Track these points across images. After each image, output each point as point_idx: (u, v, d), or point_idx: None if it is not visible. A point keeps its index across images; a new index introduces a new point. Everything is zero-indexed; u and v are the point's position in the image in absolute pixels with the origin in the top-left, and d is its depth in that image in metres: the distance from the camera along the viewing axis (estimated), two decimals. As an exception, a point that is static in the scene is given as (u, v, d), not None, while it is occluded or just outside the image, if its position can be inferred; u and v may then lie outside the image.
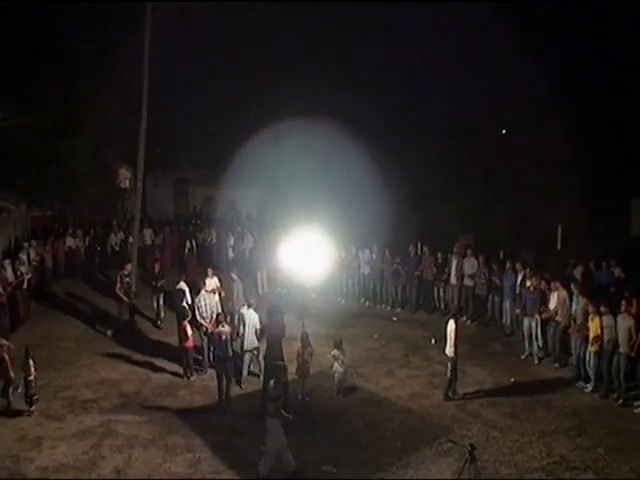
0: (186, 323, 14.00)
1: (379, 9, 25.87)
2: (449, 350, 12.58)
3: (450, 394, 12.69)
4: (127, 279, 16.96)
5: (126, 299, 16.72)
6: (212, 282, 15.73)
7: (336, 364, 12.90)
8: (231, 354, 12.71)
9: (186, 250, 23.04)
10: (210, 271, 16.20)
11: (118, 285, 16.74)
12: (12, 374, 12.10)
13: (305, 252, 11.70)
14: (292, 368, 12.45)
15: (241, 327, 13.28)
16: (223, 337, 12.52)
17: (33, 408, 12.15)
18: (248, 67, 29.57)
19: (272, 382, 10.32)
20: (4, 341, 12.47)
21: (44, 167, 24.88)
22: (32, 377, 12.14)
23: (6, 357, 12.16)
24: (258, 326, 13.14)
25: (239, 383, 13.38)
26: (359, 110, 26.38)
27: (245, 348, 13.28)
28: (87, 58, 24.98)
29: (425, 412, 12.20)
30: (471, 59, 24.92)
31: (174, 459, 10.50)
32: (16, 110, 24.89)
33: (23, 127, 24.06)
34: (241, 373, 13.47)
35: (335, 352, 12.91)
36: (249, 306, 13.40)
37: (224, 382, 12.48)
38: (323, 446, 10.82)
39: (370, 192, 25.16)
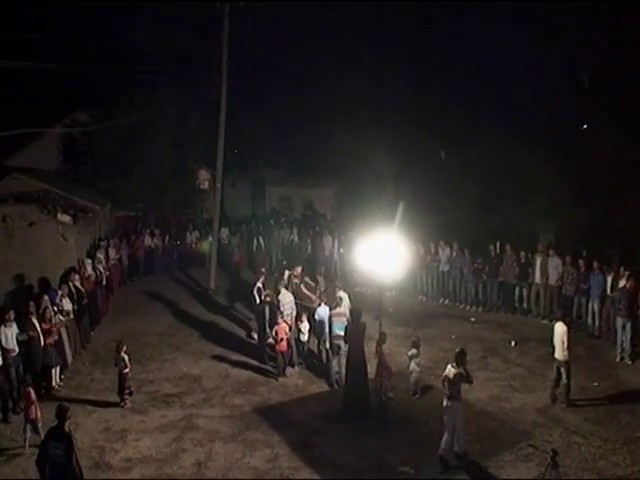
0: (282, 325, 14.14)
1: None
2: (561, 354, 12.23)
3: (561, 399, 12.39)
4: (296, 281, 16.40)
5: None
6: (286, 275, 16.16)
7: (413, 364, 12.82)
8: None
9: (254, 248, 23.46)
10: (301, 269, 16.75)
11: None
12: None
13: (383, 250, 11.66)
14: (370, 368, 12.45)
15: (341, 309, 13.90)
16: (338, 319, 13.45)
17: (128, 400, 12.62)
18: (322, 67, 29.77)
19: (449, 366, 10.40)
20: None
21: (127, 170, 25.79)
22: (127, 370, 12.60)
23: (126, 358, 12.66)
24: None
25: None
26: (437, 106, 26.11)
27: None
28: (167, 63, 25.73)
29: (505, 416, 11.99)
30: (552, 52, 24.23)
31: (253, 454, 10.69)
32: (100, 115, 25.86)
33: (107, 131, 25.00)
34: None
35: (413, 352, 12.84)
36: (343, 289, 14.70)
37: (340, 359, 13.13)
38: (400, 447, 10.80)
39: (449, 189, 24.88)
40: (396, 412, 12.03)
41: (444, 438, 10.16)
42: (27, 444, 10.75)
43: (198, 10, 24.05)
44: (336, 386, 13.35)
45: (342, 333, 12.98)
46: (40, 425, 10.68)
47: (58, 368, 13.59)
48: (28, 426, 10.79)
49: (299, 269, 16.77)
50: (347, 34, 29.24)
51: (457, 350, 10.51)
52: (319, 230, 23.88)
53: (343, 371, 12.82)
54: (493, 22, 25.29)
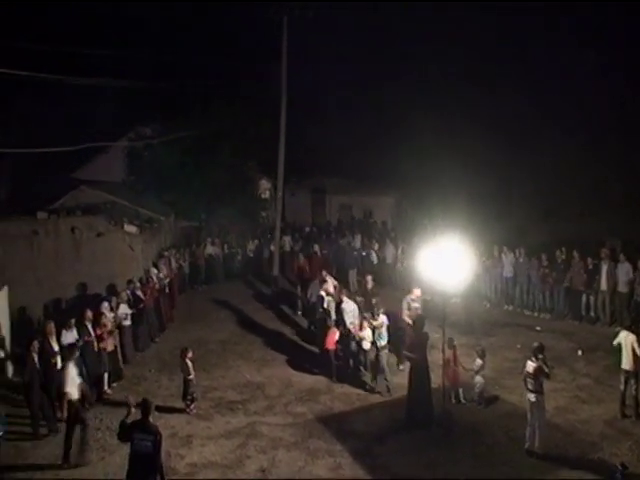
0: (336, 329, 14.37)
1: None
2: (631, 364, 11.83)
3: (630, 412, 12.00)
4: (415, 304, 15.01)
5: (410, 323, 14.14)
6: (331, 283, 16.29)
7: (478, 375, 12.67)
8: None
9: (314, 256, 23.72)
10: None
11: (406, 311, 14.94)
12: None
13: (446, 258, 11.56)
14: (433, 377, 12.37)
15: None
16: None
17: (193, 406, 12.86)
18: (384, 74, 29.82)
19: (528, 362, 10.70)
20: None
21: (189, 181, 26.32)
22: (192, 377, 12.84)
23: (190, 364, 12.88)
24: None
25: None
26: (497, 111, 25.80)
27: None
28: (224, 75, 26.19)
29: (572, 428, 11.67)
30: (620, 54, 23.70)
31: (316, 462, 10.74)
32: (162, 129, 26.50)
33: (169, 144, 25.59)
34: None
35: (478, 363, 12.69)
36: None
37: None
38: (464, 458, 10.67)
39: (512, 194, 24.50)
40: (460, 422, 11.90)
41: (528, 434, 10.62)
42: None
43: (258, 22, 24.41)
44: (390, 394, 13.30)
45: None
46: None
47: (106, 374, 13.91)
48: None
49: (417, 292, 15.31)
50: (405, 42, 29.23)
51: (535, 345, 10.80)
52: (379, 238, 23.80)
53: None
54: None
